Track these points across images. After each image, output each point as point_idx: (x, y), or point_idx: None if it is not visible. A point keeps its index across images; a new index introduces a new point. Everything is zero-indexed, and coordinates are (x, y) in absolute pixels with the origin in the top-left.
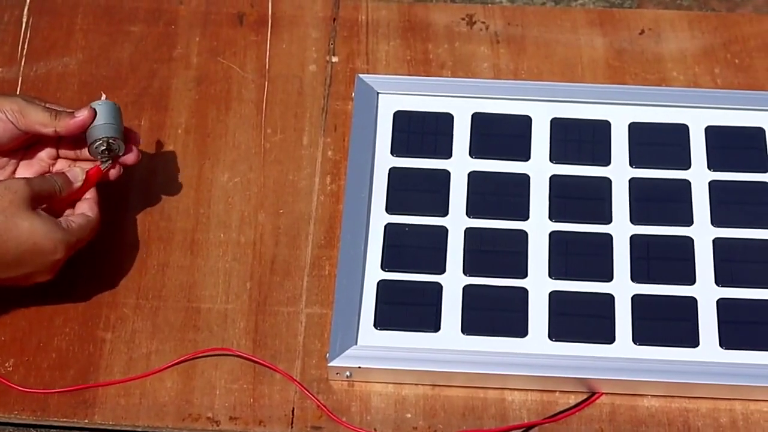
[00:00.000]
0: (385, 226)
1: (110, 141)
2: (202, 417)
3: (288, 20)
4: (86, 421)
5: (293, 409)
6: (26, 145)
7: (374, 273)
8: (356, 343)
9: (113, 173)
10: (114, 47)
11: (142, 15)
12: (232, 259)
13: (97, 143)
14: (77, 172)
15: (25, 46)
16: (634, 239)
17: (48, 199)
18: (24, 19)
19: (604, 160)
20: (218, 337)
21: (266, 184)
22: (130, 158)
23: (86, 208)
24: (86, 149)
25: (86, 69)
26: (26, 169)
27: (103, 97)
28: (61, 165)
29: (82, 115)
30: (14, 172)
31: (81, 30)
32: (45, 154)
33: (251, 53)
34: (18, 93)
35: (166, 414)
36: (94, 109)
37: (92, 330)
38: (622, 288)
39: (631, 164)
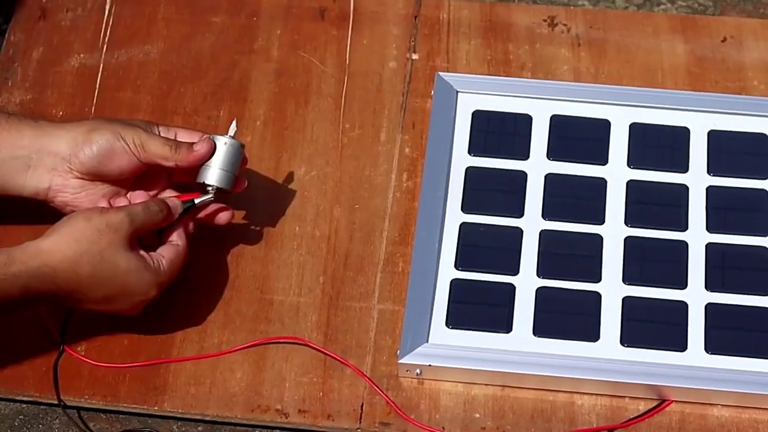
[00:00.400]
0: (460, 225)
1: (219, 188)
2: (271, 409)
3: (369, 16)
4: (156, 408)
5: (362, 404)
6: (139, 173)
7: (448, 271)
8: (427, 341)
9: (224, 218)
10: (195, 37)
11: (224, 6)
12: (306, 253)
13: (208, 189)
14: (177, 204)
15: (107, 34)
16: (710, 247)
17: (148, 230)
18: (107, 7)
19: (682, 166)
20: (290, 330)
21: (342, 179)
22: (223, 218)
23: (175, 236)
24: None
25: (167, 58)
26: (136, 199)
27: (233, 127)
28: (168, 194)
29: (202, 148)
30: (126, 196)
31: (163, 19)
32: (156, 182)
33: (332, 48)
34: (139, 119)
35: (235, 404)
36: (214, 143)
37: (164, 318)
38: (696, 296)
39: (709, 172)
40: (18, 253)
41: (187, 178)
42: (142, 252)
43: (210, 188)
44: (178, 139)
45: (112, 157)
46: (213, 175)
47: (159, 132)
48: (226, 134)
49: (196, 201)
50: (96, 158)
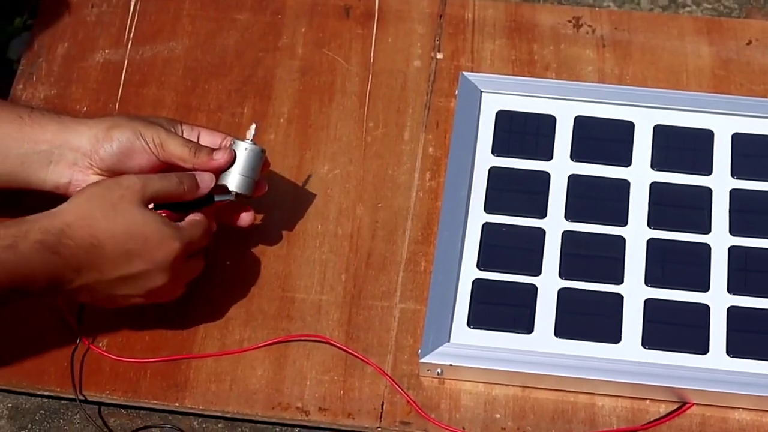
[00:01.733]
0: (483, 225)
1: (239, 194)
2: (291, 406)
3: (394, 15)
4: (176, 404)
5: (383, 403)
6: (162, 170)
7: (470, 271)
8: (449, 341)
9: (246, 220)
10: (220, 34)
11: (249, 3)
12: (329, 251)
13: (229, 193)
14: (207, 179)
15: (132, 29)
16: (733, 250)
17: (166, 199)
18: (132, 3)
19: (706, 169)
20: (311, 328)
21: (365, 177)
22: (244, 220)
23: (196, 214)
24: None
25: (191, 54)
26: None
27: (252, 131)
28: None
29: (221, 158)
30: None
31: (188, 15)
32: None
33: (356, 46)
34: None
35: (256, 402)
36: (234, 153)
37: (186, 314)
38: (719, 299)
39: (732, 175)
40: (35, 220)
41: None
42: (158, 213)
43: (230, 192)
44: (201, 140)
45: (132, 154)
46: (233, 180)
47: (182, 131)
48: (248, 137)
49: (216, 198)
50: (116, 155)
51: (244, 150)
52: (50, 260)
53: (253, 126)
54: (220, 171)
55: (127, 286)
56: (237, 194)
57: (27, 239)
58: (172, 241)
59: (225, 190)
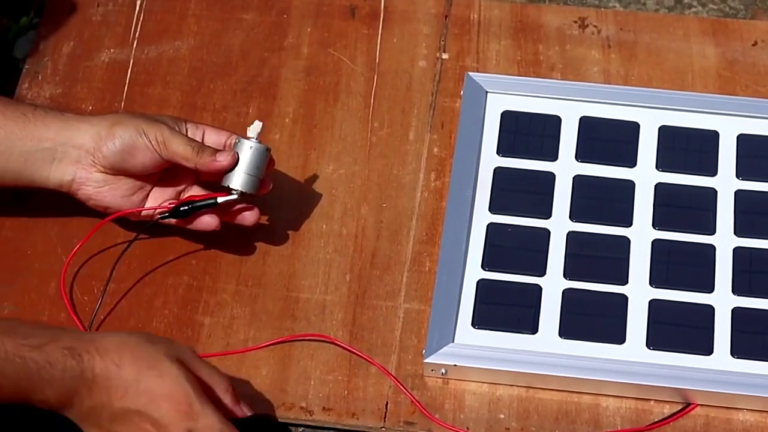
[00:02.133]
0: (488, 226)
1: (243, 193)
2: (295, 406)
3: (400, 15)
4: None
5: (387, 403)
6: (164, 169)
7: (474, 272)
8: (453, 341)
9: (250, 219)
10: (226, 34)
11: (255, 3)
12: (333, 251)
13: (233, 192)
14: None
15: (138, 29)
16: (738, 251)
17: (208, 388)
18: (138, 2)
19: (711, 170)
20: (316, 328)
21: (370, 177)
22: (248, 218)
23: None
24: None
25: (197, 54)
26: (160, 194)
27: (257, 128)
28: (195, 191)
29: (224, 160)
30: (148, 195)
31: (194, 15)
32: (182, 178)
33: (362, 46)
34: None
35: (260, 401)
36: (237, 155)
37: (191, 314)
38: (723, 300)
39: (737, 176)
40: (69, 330)
41: (214, 178)
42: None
43: (234, 191)
44: (206, 138)
45: (134, 152)
46: (238, 179)
47: (186, 130)
48: (252, 135)
49: (219, 200)
50: (118, 153)
51: (249, 148)
52: (70, 367)
53: (259, 124)
54: (222, 172)
55: (126, 423)
56: (242, 193)
57: (57, 342)
58: (187, 397)
59: (229, 191)
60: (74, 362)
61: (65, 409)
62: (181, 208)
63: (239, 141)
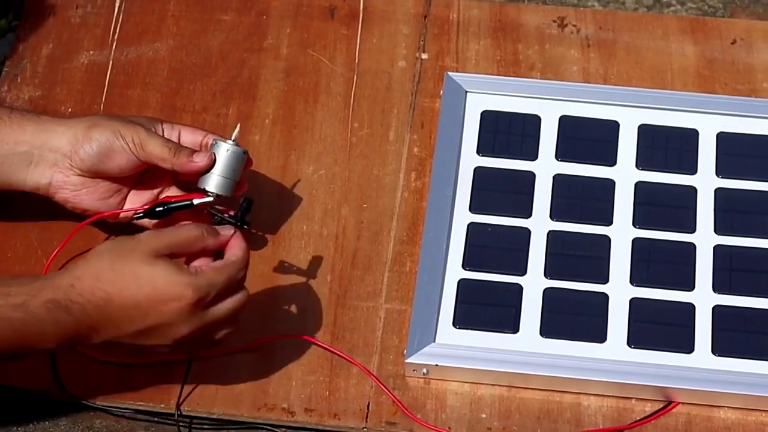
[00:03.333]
0: (468, 225)
1: (219, 195)
2: (277, 407)
3: (379, 15)
4: (162, 405)
5: (368, 403)
6: (141, 171)
7: (455, 272)
8: (434, 341)
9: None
10: (205, 35)
11: (234, 4)
12: (314, 252)
13: (208, 194)
14: (227, 227)
15: (117, 31)
16: (718, 249)
17: (186, 248)
18: (116, 4)
19: (691, 168)
20: (297, 329)
21: (351, 177)
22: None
23: (230, 252)
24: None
25: (176, 56)
26: (138, 196)
27: (236, 132)
28: (173, 192)
29: (201, 161)
30: (125, 198)
31: (173, 16)
32: (159, 180)
33: (341, 47)
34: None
35: (242, 402)
36: (214, 156)
37: None
38: (704, 298)
39: (717, 174)
40: (48, 277)
41: (191, 178)
42: (174, 262)
43: (210, 194)
44: (182, 138)
45: (111, 155)
46: (213, 181)
47: (162, 130)
48: (230, 137)
49: (195, 202)
50: (95, 156)
51: (225, 151)
52: (61, 319)
53: (238, 126)
54: (199, 173)
55: (150, 337)
56: (217, 195)
57: (38, 297)
58: (185, 288)
59: (205, 191)
60: (64, 315)
61: (74, 347)
62: (157, 209)
63: (216, 143)
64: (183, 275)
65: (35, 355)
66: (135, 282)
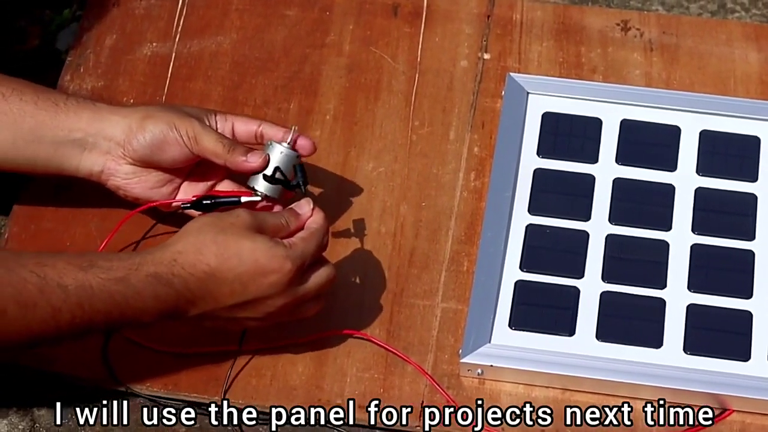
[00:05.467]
0: (527, 227)
1: (267, 196)
2: (331, 403)
3: (442, 14)
4: (216, 398)
5: (422, 402)
6: (194, 163)
7: (512, 273)
8: (490, 342)
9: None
10: (268, 29)
11: (297, 0)
12: (371, 249)
13: (257, 193)
14: (304, 204)
15: (180, 23)
16: None
17: (274, 234)
18: None
19: (752, 176)
20: (353, 325)
21: (410, 176)
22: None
23: (311, 220)
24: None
25: (239, 49)
26: (192, 187)
27: (291, 135)
28: (226, 185)
29: (255, 162)
30: (179, 188)
31: (236, 10)
32: (213, 173)
33: (404, 45)
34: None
35: (296, 397)
36: (268, 157)
37: None
38: (762, 305)
39: None
40: (148, 252)
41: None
42: (269, 236)
43: (258, 193)
44: (236, 128)
45: (164, 147)
46: (263, 182)
47: (216, 120)
48: (285, 139)
49: (242, 200)
50: (148, 147)
51: (279, 153)
52: (162, 293)
53: (294, 128)
54: (252, 173)
55: (245, 310)
56: (266, 196)
57: (139, 272)
58: (284, 261)
59: (254, 189)
60: (166, 288)
61: (167, 321)
62: (204, 202)
63: (272, 144)
64: (280, 248)
65: (130, 328)
66: (237, 255)
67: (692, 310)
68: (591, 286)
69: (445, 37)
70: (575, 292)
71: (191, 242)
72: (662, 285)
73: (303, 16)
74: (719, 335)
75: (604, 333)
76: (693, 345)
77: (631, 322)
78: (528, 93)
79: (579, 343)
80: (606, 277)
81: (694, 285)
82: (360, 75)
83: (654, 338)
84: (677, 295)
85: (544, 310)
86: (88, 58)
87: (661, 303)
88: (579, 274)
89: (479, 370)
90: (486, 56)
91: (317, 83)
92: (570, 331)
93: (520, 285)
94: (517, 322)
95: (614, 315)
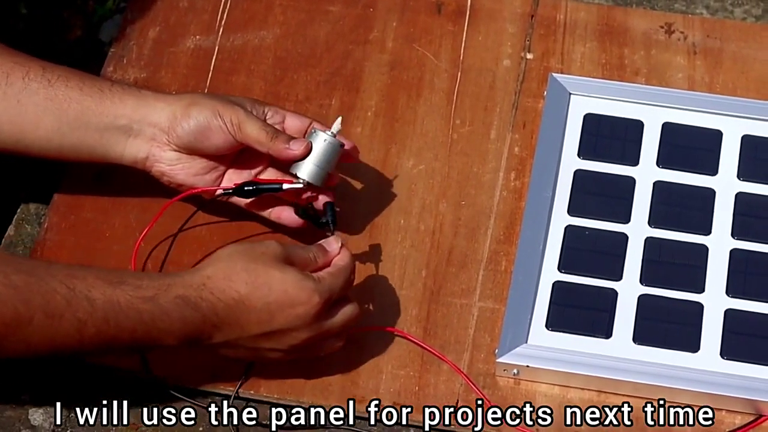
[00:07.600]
0: (566, 228)
1: (310, 183)
2: (366, 399)
3: (486, 13)
4: (251, 392)
5: (457, 401)
6: (238, 151)
7: (550, 273)
8: (526, 342)
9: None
10: (311, 25)
11: None
12: (410, 246)
13: (299, 180)
14: (332, 242)
15: (224, 17)
16: None
17: (302, 267)
18: None
19: None
20: (390, 322)
21: (450, 174)
22: (286, 219)
23: (339, 257)
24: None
25: (282, 44)
26: (236, 175)
27: (336, 125)
28: (270, 174)
29: (297, 149)
30: (222, 176)
31: (280, 5)
32: (257, 161)
33: (446, 43)
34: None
35: (331, 393)
36: (311, 145)
37: None
38: None
39: None
40: (177, 275)
41: (286, 164)
42: (299, 269)
43: (300, 180)
44: (287, 122)
45: (208, 134)
46: (306, 169)
47: (267, 113)
48: (330, 129)
49: (285, 186)
50: (192, 134)
51: (323, 141)
52: (189, 316)
53: (339, 119)
54: (295, 160)
55: (269, 341)
56: (308, 183)
57: (168, 293)
58: (312, 293)
59: (296, 176)
60: (193, 311)
61: (194, 346)
62: (246, 188)
63: (315, 132)
64: (310, 281)
65: (153, 350)
66: (267, 284)
67: (730, 315)
68: (629, 289)
69: (489, 36)
70: (613, 294)
71: (221, 268)
72: (700, 289)
73: (346, 12)
74: (756, 341)
75: (641, 336)
76: (730, 350)
77: (668, 325)
78: (570, 94)
79: (616, 346)
80: (644, 280)
81: (732, 290)
82: (402, 72)
83: (691, 342)
84: (715, 300)
85: (582, 312)
86: (131, 50)
87: (698, 307)
88: (617, 276)
89: (515, 371)
90: (529, 56)
91: (359, 80)
92: (607, 333)
93: (557, 286)
94: (554, 322)
95: (651, 318)
